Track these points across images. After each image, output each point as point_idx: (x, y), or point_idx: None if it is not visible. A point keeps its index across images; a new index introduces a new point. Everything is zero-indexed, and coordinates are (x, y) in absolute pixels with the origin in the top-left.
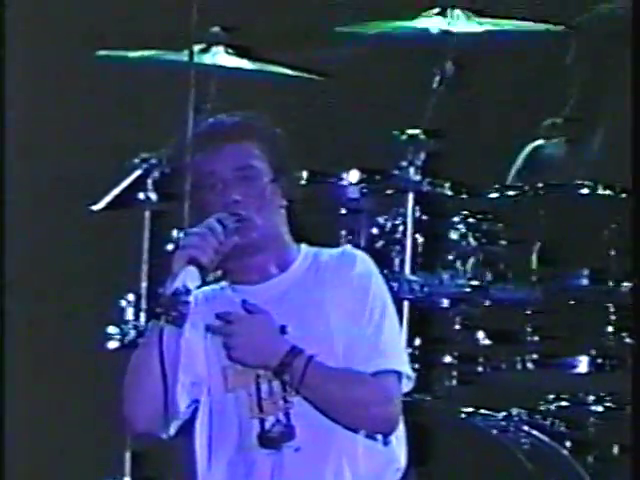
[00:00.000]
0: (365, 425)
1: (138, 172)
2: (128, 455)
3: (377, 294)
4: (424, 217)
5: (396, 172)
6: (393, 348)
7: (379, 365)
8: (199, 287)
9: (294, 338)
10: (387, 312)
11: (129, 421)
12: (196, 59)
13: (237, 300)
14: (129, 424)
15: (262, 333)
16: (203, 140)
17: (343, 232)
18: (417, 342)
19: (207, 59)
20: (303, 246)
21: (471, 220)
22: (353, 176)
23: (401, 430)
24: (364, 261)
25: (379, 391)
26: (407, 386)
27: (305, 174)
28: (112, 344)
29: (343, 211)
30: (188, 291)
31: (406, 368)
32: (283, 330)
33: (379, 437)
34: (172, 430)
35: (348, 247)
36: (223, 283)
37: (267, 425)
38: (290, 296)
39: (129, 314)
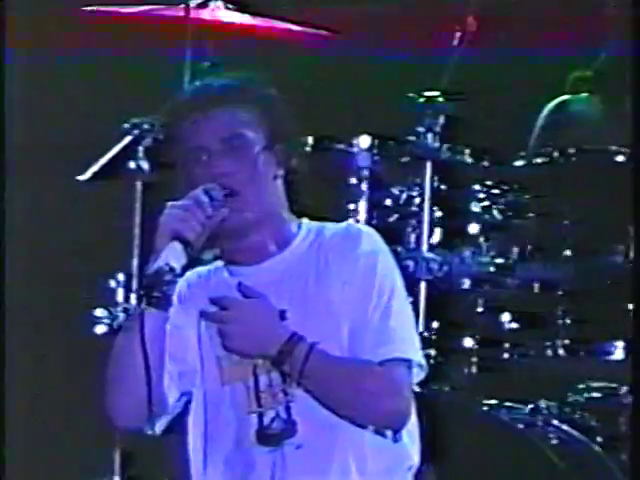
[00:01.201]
0: (372, 419)
1: (128, 139)
2: (118, 453)
3: (385, 274)
4: (443, 187)
5: (412, 138)
6: (403, 334)
7: (387, 353)
8: (186, 266)
9: (294, 324)
10: (396, 294)
11: (111, 415)
12: (193, 15)
13: (233, 283)
14: (111, 418)
15: (259, 319)
16: (188, 106)
17: (352, 205)
18: (435, 326)
19: (205, 15)
20: (304, 221)
21: (495, 191)
22: (364, 142)
23: (413, 424)
24: (370, 237)
25: (387, 382)
26: (418, 376)
27: (310, 140)
28: (100, 329)
29: (353, 181)
30: (172, 270)
31: (417, 356)
32: (282, 315)
33: (388, 433)
34: (161, 426)
35: (352, 222)
36: (219, 263)
37: (266, 421)
38: (290, 277)
39: (119, 295)
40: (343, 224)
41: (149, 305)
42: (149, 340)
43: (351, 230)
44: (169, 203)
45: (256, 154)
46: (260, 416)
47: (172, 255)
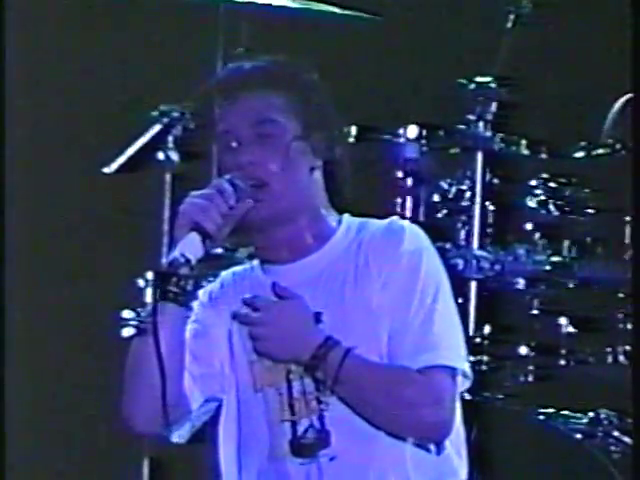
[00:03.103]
0: (410, 430)
1: (157, 127)
2: (146, 463)
3: (429, 274)
4: (495, 181)
5: (462, 127)
6: (447, 340)
7: (429, 360)
8: (201, 258)
9: (331, 327)
10: (441, 296)
11: (127, 418)
12: None
13: (267, 282)
14: (127, 422)
15: (292, 322)
16: (219, 90)
17: (398, 200)
18: (486, 330)
19: None
20: (345, 217)
21: (552, 184)
22: (411, 132)
23: (460, 436)
24: (414, 235)
25: (428, 390)
26: (463, 385)
27: (353, 130)
28: (127, 331)
29: (398, 174)
30: (188, 261)
31: (462, 364)
32: (318, 318)
33: (431, 446)
34: (184, 433)
35: (395, 218)
36: (254, 262)
37: (300, 430)
38: (327, 277)
39: (148, 296)
40: (386, 220)
41: (163, 300)
42: (164, 337)
43: (394, 227)
44: (191, 193)
45: (288, 142)
46: (293, 425)
47: (188, 246)
